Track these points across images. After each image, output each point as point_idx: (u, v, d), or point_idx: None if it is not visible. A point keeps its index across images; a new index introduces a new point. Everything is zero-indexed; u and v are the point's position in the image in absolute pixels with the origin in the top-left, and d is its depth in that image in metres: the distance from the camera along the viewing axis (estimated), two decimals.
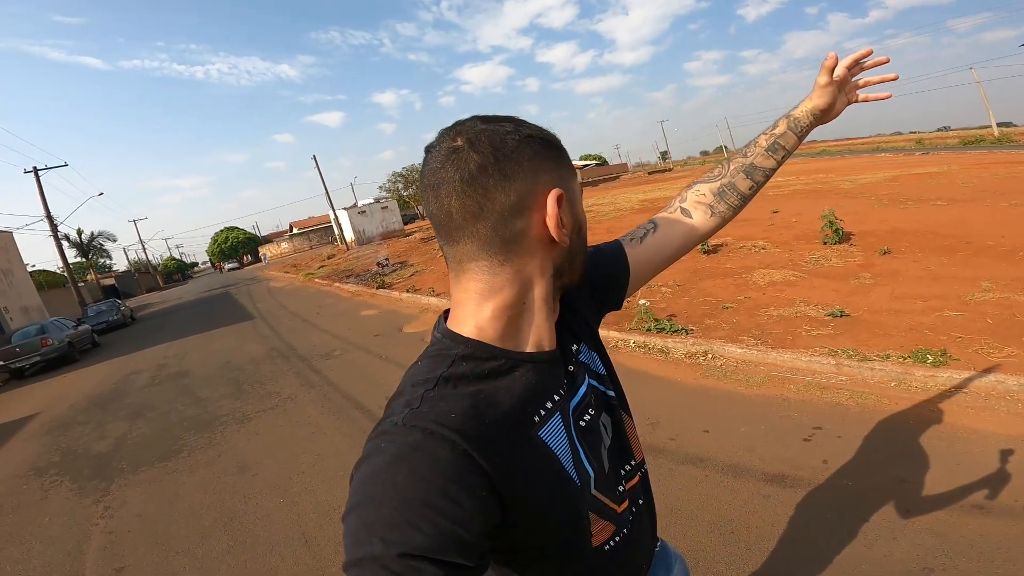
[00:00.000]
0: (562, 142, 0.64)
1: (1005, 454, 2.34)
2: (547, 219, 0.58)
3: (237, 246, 65.04)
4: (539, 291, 0.61)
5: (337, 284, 14.40)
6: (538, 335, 0.61)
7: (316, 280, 17.15)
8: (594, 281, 0.77)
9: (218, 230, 66.70)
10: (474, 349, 0.58)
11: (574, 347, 0.70)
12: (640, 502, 0.71)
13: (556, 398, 0.61)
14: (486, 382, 0.56)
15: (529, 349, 0.61)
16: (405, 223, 38.74)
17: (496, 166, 0.56)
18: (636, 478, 0.71)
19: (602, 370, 0.73)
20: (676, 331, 4.65)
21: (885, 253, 5.92)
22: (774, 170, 0.91)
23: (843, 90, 0.89)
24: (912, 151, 27.25)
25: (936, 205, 8.29)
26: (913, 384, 3.13)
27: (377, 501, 0.46)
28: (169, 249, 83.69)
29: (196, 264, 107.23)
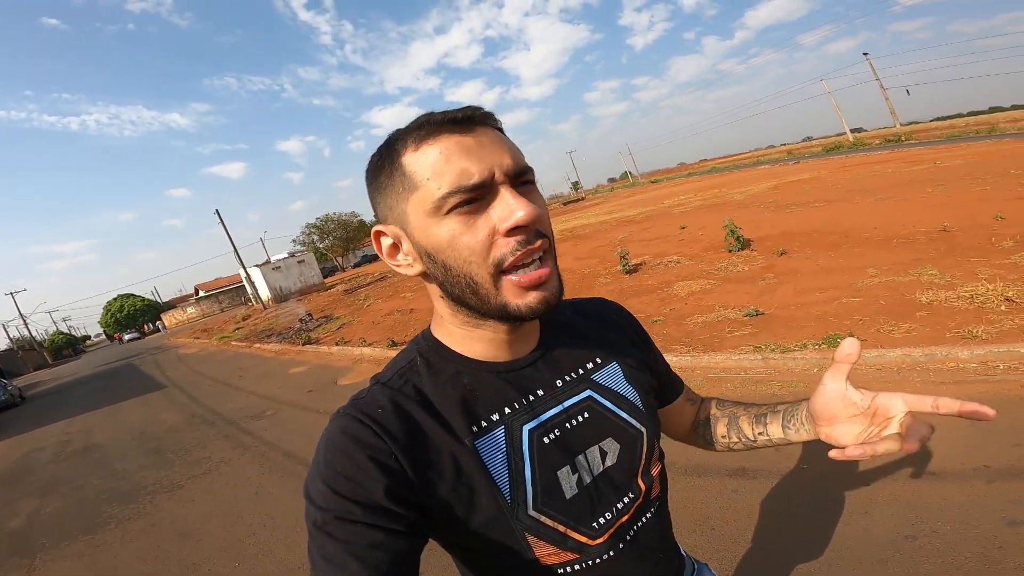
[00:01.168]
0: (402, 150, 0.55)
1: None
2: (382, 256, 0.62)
3: (135, 315, 59.46)
4: (443, 309, 0.62)
5: (258, 345, 13.57)
6: (485, 347, 0.62)
7: (233, 343, 16.06)
8: (653, 367, 0.78)
9: (111, 298, 60.91)
10: (432, 349, 0.64)
11: (591, 364, 0.69)
12: (630, 538, 0.65)
13: (507, 411, 0.60)
14: (433, 383, 0.60)
15: (481, 358, 0.62)
16: (325, 276, 37.39)
17: (369, 194, 0.62)
18: (631, 513, 0.65)
19: (631, 395, 0.69)
20: None
21: (782, 254, 6.53)
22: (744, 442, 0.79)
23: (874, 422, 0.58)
24: (786, 162, 30.31)
25: (815, 207, 9.30)
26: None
27: (315, 477, 0.54)
28: (55, 323, 74.93)
29: (88, 337, 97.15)
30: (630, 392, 0.69)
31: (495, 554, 0.59)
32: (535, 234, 0.54)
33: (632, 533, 0.65)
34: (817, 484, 2.41)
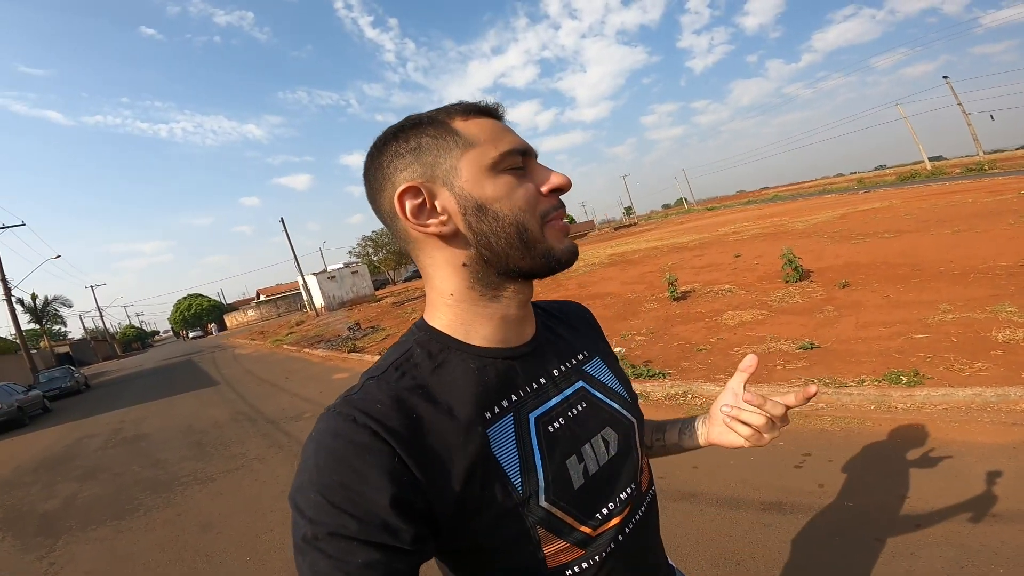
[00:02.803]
0: (443, 114, 0.59)
1: (1001, 462, 2.38)
2: (402, 220, 0.58)
3: (201, 314, 63.14)
4: (457, 284, 0.60)
5: (307, 350, 14.03)
6: (492, 329, 0.61)
7: (285, 346, 16.68)
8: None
9: (181, 297, 64.97)
10: (430, 337, 0.61)
11: (580, 356, 0.70)
12: (629, 531, 0.63)
13: (514, 398, 0.59)
14: (435, 373, 0.57)
15: (484, 343, 0.60)
16: (376, 288, 38.40)
17: (369, 178, 0.61)
18: (630, 506, 0.64)
19: (617, 387, 0.71)
20: (654, 375, 4.66)
21: (844, 286, 6.14)
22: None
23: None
24: (855, 190, 28.92)
25: (884, 238, 8.73)
26: (893, 405, 3.18)
27: (305, 487, 0.49)
28: (128, 317, 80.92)
29: (157, 332, 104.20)
30: (616, 384, 0.71)
31: (505, 553, 0.56)
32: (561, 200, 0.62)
33: (631, 526, 0.64)
34: (858, 522, 2.22)
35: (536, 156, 0.62)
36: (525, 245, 0.58)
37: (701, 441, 0.78)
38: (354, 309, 24.77)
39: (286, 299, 54.17)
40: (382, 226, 0.64)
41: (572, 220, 77.39)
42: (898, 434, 2.89)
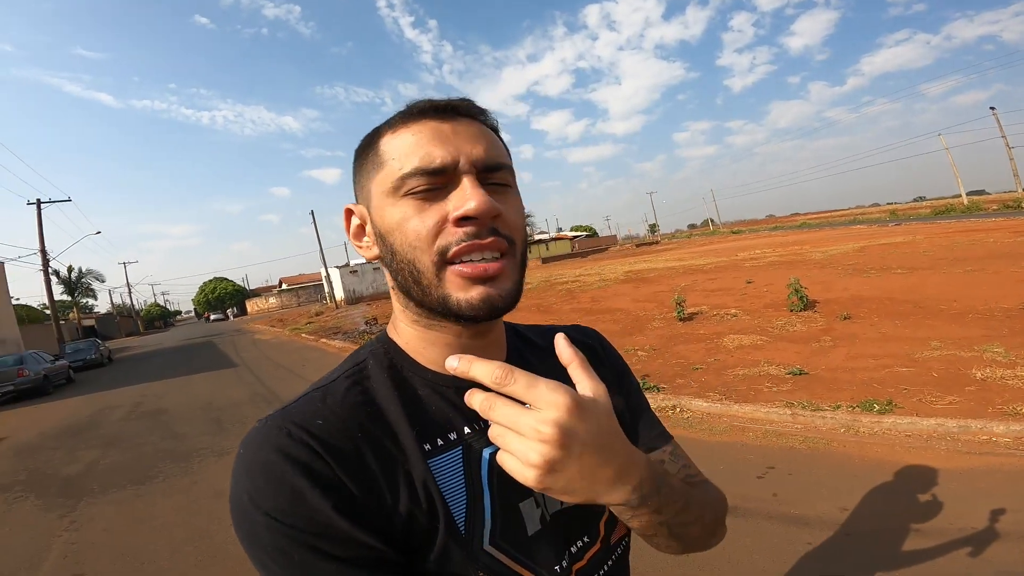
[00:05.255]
0: (379, 133, 0.55)
1: (942, 485, 2.62)
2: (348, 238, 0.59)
3: (224, 297, 64.81)
4: (395, 303, 0.58)
5: (324, 340, 14.44)
6: (438, 355, 0.55)
7: (303, 335, 17.15)
8: (628, 404, 0.69)
9: (207, 280, 66.71)
10: (387, 352, 0.57)
11: None
12: None
13: (467, 431, 0.54)
14: (386, 391, 0.53)
15: (437, 368, 0.55)
16: None
17: (352, 175, 0.60)
18: (586, 559, 0.57)
19: None
20: (647, 389, 4.87)
21: (845, 319, 6.27)
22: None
23: None
24: (885, 222, 28.47)
25: (896, 273, 8.80)
26: (860, 430, 3.39)
27: (247, 508, 0.45)
28: (155, 295, 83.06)
29: (179, 312, 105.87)
30: None
31: None
32: (489, 231, 0.50)
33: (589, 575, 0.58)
34: (799, 527, 2.49)
35: (472, 170, 0.50)
36: (420, 288, 0.51)
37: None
38: (372, 304, 25.26)
39: (307, 289, 55.35)
40: None
41: (594, 233, 77.07)
42: (857, 456, 3.11)
